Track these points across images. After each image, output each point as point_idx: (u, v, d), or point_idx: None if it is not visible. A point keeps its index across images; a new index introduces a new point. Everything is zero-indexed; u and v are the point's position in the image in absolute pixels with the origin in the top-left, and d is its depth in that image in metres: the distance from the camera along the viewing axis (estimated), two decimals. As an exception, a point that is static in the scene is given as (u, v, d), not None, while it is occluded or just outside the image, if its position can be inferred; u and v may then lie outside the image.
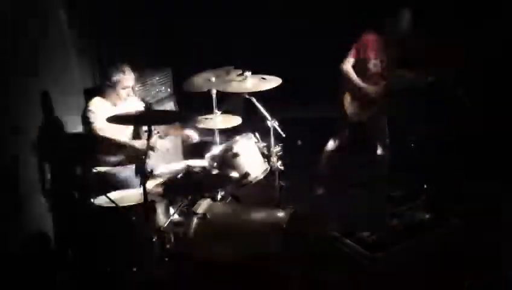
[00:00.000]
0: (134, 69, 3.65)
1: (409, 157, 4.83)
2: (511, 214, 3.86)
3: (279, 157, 3.61)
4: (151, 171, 3.18)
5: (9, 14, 3.08)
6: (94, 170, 3.51)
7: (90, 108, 3.46)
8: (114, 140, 3.27)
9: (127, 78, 3.53)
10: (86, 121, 3.45)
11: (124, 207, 2.87)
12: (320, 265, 3.43)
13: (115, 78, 3.50)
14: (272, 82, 3.63)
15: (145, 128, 3.00)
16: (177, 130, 3.85)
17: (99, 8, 4.29)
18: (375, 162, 4.67)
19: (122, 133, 3.58)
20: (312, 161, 4.93)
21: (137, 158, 2.94)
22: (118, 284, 2.89)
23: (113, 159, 3.03)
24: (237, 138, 3.52)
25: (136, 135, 3.80)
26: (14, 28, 3.13)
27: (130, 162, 3.39)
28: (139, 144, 3.45)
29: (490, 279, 3.19)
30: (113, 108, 3.55)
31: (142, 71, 4.63)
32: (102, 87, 3.57)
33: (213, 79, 3.79)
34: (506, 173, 4.33)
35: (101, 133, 3.34)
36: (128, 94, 3.57)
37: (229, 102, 4.81)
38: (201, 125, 3.96)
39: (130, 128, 3.73)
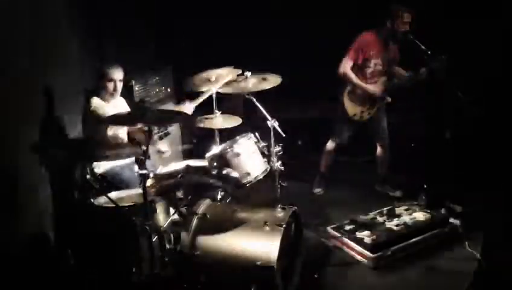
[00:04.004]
0: (131, 69, 3.67)
1: (409, 157, 4.84)
2: (511, 214, 3.86)
3: (279, 157, 3.60)
4: (151, 171, 3.18)
5: (10, 14, 3.08)
6: (95, 170, 3.53)
7: (92, 105, 3.50)
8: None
9: (112, 71, 3.57)
10: (93, 117, 3.48)
11: (124, 207, 2.87)
12: (319, 264, 3.44)
13: (102, 70, 3.57)
14: (272, 81, 3.63)
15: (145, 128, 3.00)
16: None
17: (100, 8, 4.29)
18: (375, 162, 4.67)
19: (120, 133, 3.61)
20: (312, 161, 4.93)
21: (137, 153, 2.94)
22: (118, 284, 2.89)
23: (114, 153, 3.02)
24: (237, 138, 3.51)
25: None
26: (14, 28, 3.13)
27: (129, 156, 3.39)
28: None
29: (488, 278, 3.19)
30: (112, 104, 3.59)
31: (142, 71, 4.64)
32: (96, 85, 3.62)
33: (213, 79, 3.79)
34: (507, 173, 4.33)
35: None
36: (114, 88, 3.59)
37: (229, 102, 4.81)
38: (201, 125, 3.95)
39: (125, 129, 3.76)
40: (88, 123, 3.53)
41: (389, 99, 4.35)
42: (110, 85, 3.57)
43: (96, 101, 3.56)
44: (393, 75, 4.37)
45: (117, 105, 3.73)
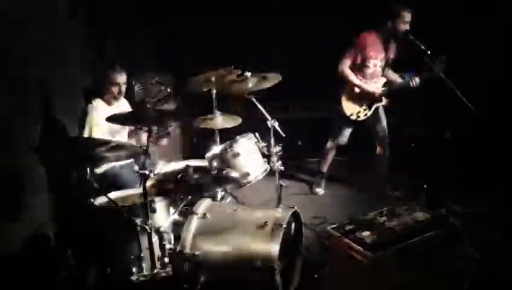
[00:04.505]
0: (131, 69, 3.69)
1: (409, 157, 4.84)
2: (511, 214, 3.86)
3: (279, 157, 3.60)
4: (151, 171, 3.17)
5: (10, 14, 3.08)
6: (95, 170, 3.53)
7: (87, 114, 3.50)
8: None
9: (117, 75, 3.59)
10: (80, 125, 3.52)
11: (124, 207, 2.87)
12: (319, 264, 3.44)
13: (106, 74, 3.60)
14: (272, 80, 3.63)
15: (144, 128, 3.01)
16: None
17: (100, 8, 4.29)
18: (375, 162, 4.67)
19: (119, 135, 3.62)
20: (312, 161, 4.93)
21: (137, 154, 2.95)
22: (118, 284, 2.89)
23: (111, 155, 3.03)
24: (237, 138, 3.52)
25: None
26: (15, 29, 3.13)
27: (129, 157, 3.40)
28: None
29: (488, 278, 3.19)
30: (108, 108, 3.60)
31: (142, 71, 4.64)
32: (98, 86, 3.64)
33: (213, 79, 3.79)
34: (507, 173, 4.33)
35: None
36: (119, 92, 3.61)
37: (230, 101, 4.82)
38: (201, 125, 3.96)
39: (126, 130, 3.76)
40: (80, 125, 3.54)
41: (385, 101, 4.35)
42: (115, 89, 3.60)
43: (96, 104, 3.55)
44: (385, 77, 4.37)
45: (120, 107, 3.74)
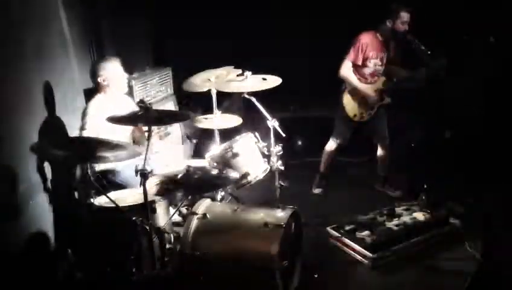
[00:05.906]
0: (131, 69, 3.68)
1: (409, 157, 4.84)
2: (510, 214, 3.86)
3: (279, 157, 3.60)
4: (151, 171, 3.16)
5: (10, 13, 3.08)
6: (95, 169, 3.52)
7: (87, 113, 3.46)
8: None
9: (118, 68, 3.54)
10: (81, 125, 3.48)
11: (124, 207, 2.87)
12: (318, 265, 3.44)
13: (111, 71, 3.51)
14: (272, 82, 3.63)
15: (145, 128, 3.00)
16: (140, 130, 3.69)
17: (100, 8, 4.30)
18: (375, 162, 4.67)
19: (121, 132, 3.59)
20: (312, 161, 4.93)
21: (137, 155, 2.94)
22: (118, 284, 2.89)
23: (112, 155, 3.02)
24: (237, 137, 3.52)
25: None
26: (15, 28, 3.13)
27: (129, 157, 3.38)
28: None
29: (488, 278, 3.19)
30: (113, 103, 3.56)
31: (142, 71, 4.64)
32: (99, 85, 3.57)
33: (213, 79, 3.79)
34: (507, 172, 4.33)
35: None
36: (113, 84, 3.53)
37: (229, 101, 4.83)
38: (201, 125, 3.96)
39: (128, 128, 3.73)
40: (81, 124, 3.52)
41: (389, 100, 4.35)
42: (105, 82, 3.50)
43: (95, 101, 3.52)
44: (392, 75, 4.37)
45: (122, 103, 3.65)
